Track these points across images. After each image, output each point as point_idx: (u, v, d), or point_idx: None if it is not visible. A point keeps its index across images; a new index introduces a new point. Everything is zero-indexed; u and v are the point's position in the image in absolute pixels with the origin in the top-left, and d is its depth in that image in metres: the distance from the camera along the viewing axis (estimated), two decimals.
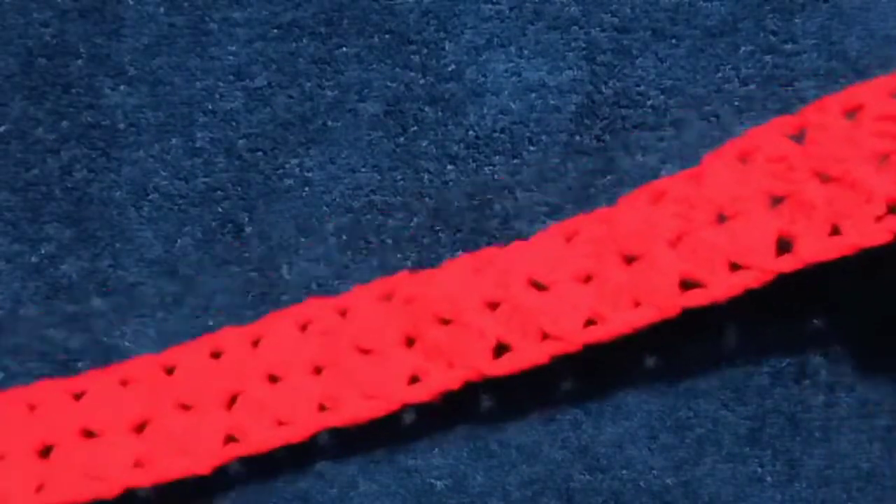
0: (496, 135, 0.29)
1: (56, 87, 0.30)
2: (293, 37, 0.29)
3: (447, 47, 0.29)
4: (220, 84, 0.29)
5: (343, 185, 0.29)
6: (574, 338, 0.25)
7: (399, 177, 0.29)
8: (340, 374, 0.26)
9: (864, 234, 0.24)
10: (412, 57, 0.29)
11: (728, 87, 0.28)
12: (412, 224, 0.28)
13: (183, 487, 0.27)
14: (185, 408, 0.26)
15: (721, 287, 0.25)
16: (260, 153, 0.29)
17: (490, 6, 0.29)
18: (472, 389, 0.27)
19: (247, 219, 0.29)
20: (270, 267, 0.28)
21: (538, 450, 0.27)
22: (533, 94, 0.29)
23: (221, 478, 0.28)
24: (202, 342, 0.27)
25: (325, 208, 0.29)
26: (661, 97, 0.29)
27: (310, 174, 0.29)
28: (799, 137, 0.25)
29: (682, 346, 0.27)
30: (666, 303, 0.25)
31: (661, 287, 0.25)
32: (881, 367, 0.27)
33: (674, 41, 0.29)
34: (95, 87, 0.29)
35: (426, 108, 0.29)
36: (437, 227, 0.28)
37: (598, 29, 0.29)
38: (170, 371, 0.27)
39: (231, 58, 0.29)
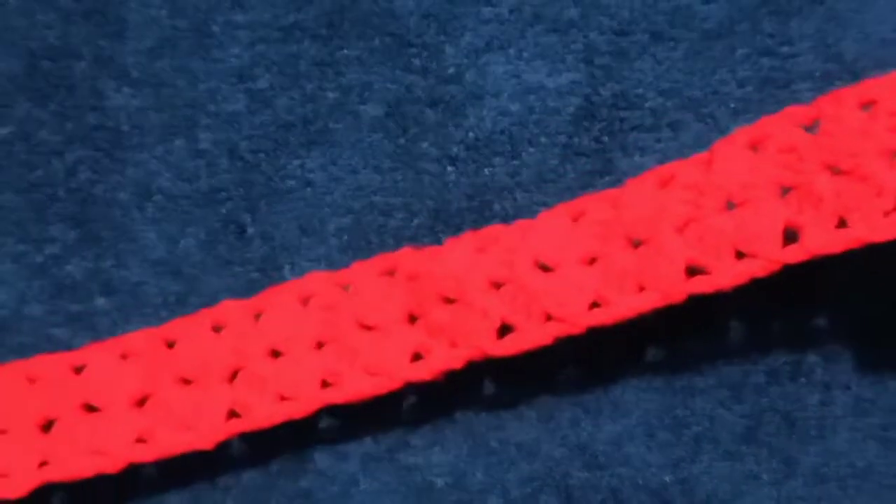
0: (496, 136, 0.29)
1: (60, 90, 0.30)
2: (295, 39, 0.29)
3: (447, 50, 0.29)
4: (223, 86, 0.29)
5: (344, 186, 0.29)
6: (578, 320, 0.25)
7: (400, 178, 0.29)
8: (343, 349, 0.26)
9: (873, 228, 0.24)
10: (413, 59, 0.29)
11: (725, 89, 0.28)
12: (413, 225, 0.29)
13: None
14: (187, 382, 0.26)
15: (727, 275, 0.24)
16: (262, 154, 0.29)
17: (490, 9, 0.29)
18: (471, 388, 0.28)
19: (249, 219, 0.29)
20: (273, 267, 0.29)
21: (537, 447, 0.28)
22: (532, 96, 0.29)
23: (222, 478, 0.28)
24: (203, 315, 0.27)
25: (326, 209, 0.29)
26: (659, 99, 0.29)
27: (311, 175, 0.29)
28: (811, 128, 0.25)
29: (679, 345, 0.27)
30: (671, 288, 0.25)
31: (667, 272, 0.25)
32: (877, 365, 0.27)
33: (671, 44, 0.29)
34: (99, 90, 0.30)
35: (426, 110, 0.29)
36: (438, 228, 0.28)
37: (596, 32, 0.29)
38: (170, 345, 0.26)
39: (233, 60, 0.29)
